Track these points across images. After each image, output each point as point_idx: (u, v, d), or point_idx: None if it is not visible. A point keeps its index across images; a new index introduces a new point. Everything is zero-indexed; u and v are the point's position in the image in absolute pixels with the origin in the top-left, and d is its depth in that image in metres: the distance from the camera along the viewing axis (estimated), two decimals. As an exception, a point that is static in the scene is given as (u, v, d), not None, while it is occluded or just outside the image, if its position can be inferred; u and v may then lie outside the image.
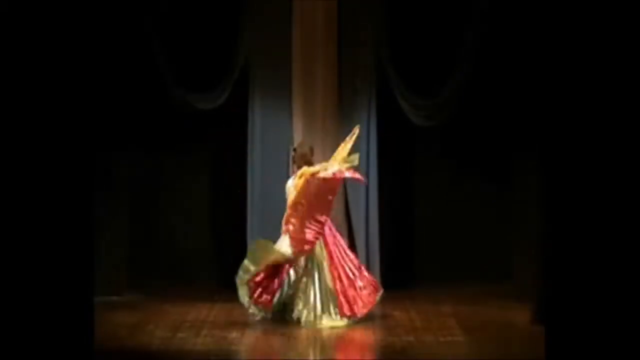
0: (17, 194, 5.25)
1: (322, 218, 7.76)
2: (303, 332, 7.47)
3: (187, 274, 9.28)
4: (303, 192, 7.76)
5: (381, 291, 7.91)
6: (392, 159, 9.37)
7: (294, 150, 8.12)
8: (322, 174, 7.76)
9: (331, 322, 7.64)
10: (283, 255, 7.68)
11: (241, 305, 7.89)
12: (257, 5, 9.16)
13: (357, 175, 7.91)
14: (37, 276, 5.27)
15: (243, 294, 7.75)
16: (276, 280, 7.76)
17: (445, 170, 9.47)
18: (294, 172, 8.05)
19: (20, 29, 5.27)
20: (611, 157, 5.24)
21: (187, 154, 9.34)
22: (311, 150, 8.06)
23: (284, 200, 7.96)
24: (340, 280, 7.76)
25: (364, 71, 9.19)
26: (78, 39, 5.38)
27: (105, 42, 7.72)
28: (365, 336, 7.35)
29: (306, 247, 7.72)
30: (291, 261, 7.73)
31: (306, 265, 7.79)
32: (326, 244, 7.85)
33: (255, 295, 7.72)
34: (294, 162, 8.07)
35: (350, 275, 7.82)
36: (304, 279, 7.76)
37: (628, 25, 5.22)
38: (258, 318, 7.78)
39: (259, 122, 9.25)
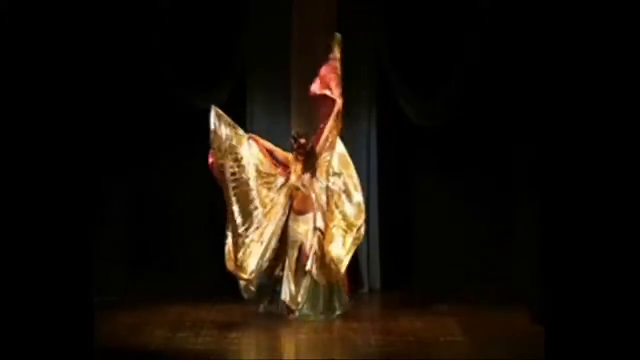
0: (18, 194, 5.26)
1: None
2: (303, 333, 7.47)
3: (187, 274, 9.27)
4: None
5: None
6: (392, 159, 9.37)
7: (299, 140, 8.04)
8: None
9: None
10: None
11: (241, 305, 7.91)
12: (256, 5, 9.17)
13: None
14: (38, 276, 5.27)
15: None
16: None
17: (445, 170, 9.47)
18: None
19: (19, 30, 5.28)
20: (609, 160, 5.24)
21: (187, 153, 9.33)
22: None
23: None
24: None
25: (364, 71, 9.20)
26: (78, 40, 5.38)
27: (105, 43, 7.72)
28: (365, 336, 7.35)
29: None
30: None
31: None
32: None
33: None
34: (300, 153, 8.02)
35: None
36: None
37: (627, 26, 5.23)
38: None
39: (259, 121, 9.26)
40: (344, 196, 7.99)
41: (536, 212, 7.14)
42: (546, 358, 5.47)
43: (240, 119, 9.19)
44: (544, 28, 5.72)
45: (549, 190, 5.46)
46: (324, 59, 8.12)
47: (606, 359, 5.22)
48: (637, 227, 5.20)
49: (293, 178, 7.93)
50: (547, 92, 5.47)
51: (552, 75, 5.40)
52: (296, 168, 7.97)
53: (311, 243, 7.82)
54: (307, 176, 7.92)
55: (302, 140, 7.96)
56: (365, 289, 9.25)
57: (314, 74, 8.26)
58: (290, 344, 7.26)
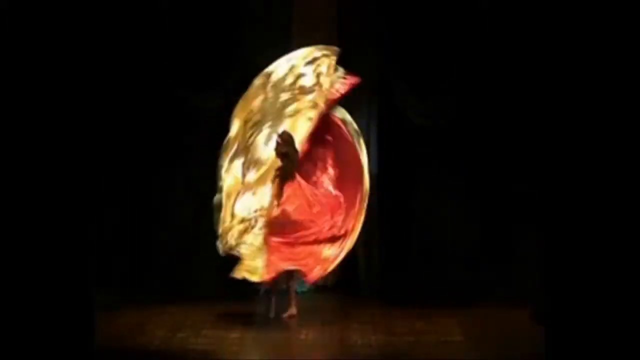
0: (20, 194, 5.26)
1: None
2: (303, 333, 7.47)
3: (187, 274, 9.26)
4: None
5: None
6: (392, 159, 9.36)
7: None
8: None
9: None
10: None
11: (241, 305, 7.90)
12: (257, 6, 9.17)
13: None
14: (38, 276, 5.28)
15: None
16: None
17: (446, 170, 9.44)
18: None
19: (19, 30, 5.28)
20: (610, 160, 5.24)
21: (188, 153, 9.33)
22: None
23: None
24: None
25: (364, 71, 9.19)
26: (77, 41, 5.39)
27: (105, 43, 7.72)
28: (365, 336, 7.35)
29: None
30: None
31: None
32: None
33: None
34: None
35: None
36: None
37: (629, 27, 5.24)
38: None
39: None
40: None
41: (537, 212, 7.14)
42: (546, 358, 5.47)
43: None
44: (544, 27, 5.72)
45: (550, 190, 5.46)
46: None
47: (606, 359, 5.22)
48: (637, 227, 5.21)
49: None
50: (549, 92, 5.48)
51: (553, 75, 5.40)
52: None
53: None
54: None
55: (278, 140, 7.96)
56: (365, 289, 9.24)
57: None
58: (290, 344, 7.26)
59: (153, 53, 8.83)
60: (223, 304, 8.33)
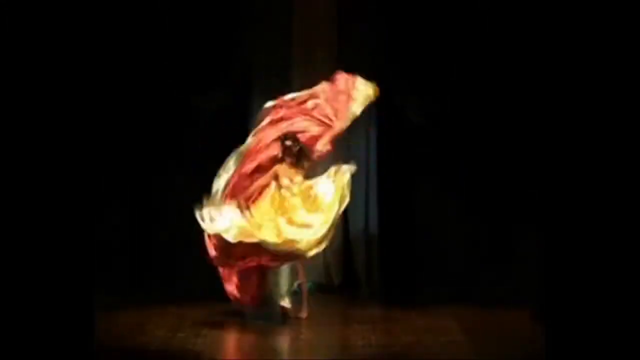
0: (21, 194, 5.26)
1: None
2: (303, 333, 7.47)
3: (187, 274, 9.27)
4: None
5: None
6: (392, 160, 9.36)
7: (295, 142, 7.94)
8: None
9: None
10: None
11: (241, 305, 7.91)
12: (257, 6, 9.18)
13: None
14: (39, 276, 5.28)
15: None
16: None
17: (445, 170, 9.44)
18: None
19: (19, 30, 5.29)
20: (609, 160, 5.25)
21: (187, 154, 9.33)
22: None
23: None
24: None
25: (363, 70, 9.19)
26: (77, 41, 5.39)
27: (105, 43, 7.72)
28: (365, 336, 7.35)
29: None
30: None
31: None
32: None
33: None
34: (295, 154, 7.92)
35: None
36: None
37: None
38: None
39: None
40: None
41: (537, 212, 7.14)
42: (546, 358, 5.47)
43: (243, 119, 9.21)
44: (544, 27, 5.72)
45: (550, 190, 5.46)
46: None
47: (606, 359, 5.22)
48: (637, 227, 5.21)
49: (285, 181, 7.83)
50: (549, 91, 5.48)
51: (554, 75, 5.40)
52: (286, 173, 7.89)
53: None
54: (299, 179, 7.86)
55: (288, 142, 7.90)
56: (365, 289, 9.24)
57: (315, 73, 8.31)
58: (290, 344, 7.26)
59: (153, 53, 8.84)
60: (223, 304, 8.33)
